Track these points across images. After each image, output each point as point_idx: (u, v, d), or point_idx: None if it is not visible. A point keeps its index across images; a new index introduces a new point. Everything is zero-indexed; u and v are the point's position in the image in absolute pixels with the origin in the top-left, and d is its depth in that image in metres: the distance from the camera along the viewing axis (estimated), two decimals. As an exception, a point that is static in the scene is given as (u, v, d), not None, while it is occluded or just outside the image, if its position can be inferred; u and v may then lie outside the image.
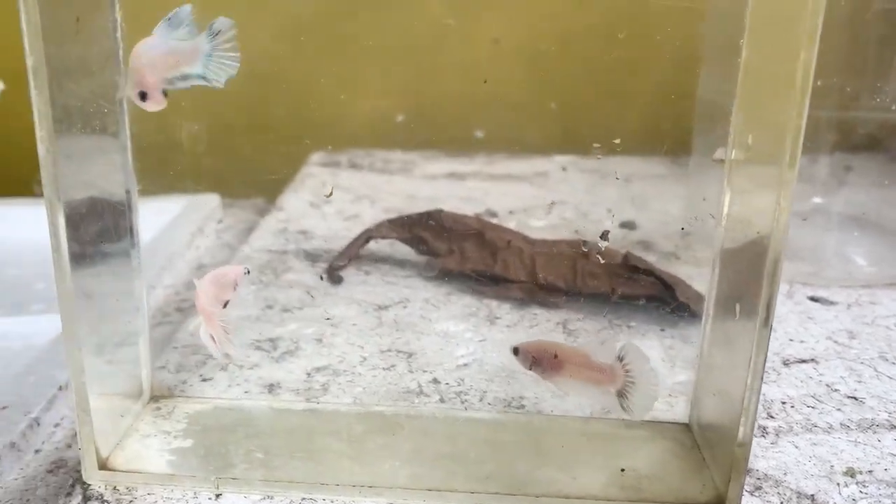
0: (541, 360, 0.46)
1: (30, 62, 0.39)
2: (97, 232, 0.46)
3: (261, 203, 1.04)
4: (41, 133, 0.40)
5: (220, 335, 0.47)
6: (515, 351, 0.47)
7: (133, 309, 0.51)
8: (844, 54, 0.71)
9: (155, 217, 0.90)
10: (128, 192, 0.49)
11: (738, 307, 0.45)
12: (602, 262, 0.67)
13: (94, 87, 0.45)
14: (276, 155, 0.68)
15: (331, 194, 0.58)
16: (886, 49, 0.70)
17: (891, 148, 0.77)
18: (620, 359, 0.45)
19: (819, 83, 0.74)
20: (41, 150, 0.40)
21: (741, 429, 0.43)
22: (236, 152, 0.74)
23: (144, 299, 0.52)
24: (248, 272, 0.47)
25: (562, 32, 0.66)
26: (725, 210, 0.47)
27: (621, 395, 0.45)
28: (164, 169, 0.55)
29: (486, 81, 0.52)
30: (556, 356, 0.45)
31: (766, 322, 0.41)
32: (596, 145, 0.52)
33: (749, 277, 0.43)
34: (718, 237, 0.48)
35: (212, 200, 1.00)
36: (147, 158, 0.50)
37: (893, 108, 0.69)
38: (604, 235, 0.52)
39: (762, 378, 0.43)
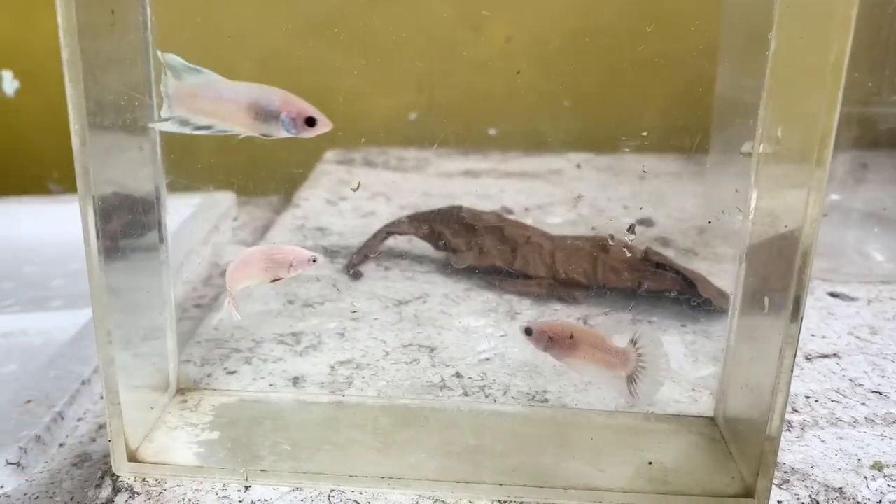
0: (557, 340, 0.45)
1: (64, 55, 0.39)
2: (126, 226, 0.46)
3: (275, 201, 1.04)
4: (76, 126, 0.40)
5: (231, 303, 0.47)
6: (528, 331, 0.46)
7: (160, 303, 0.51)
8: (866, 49, 0.71)
9: (173, 214, 0.90)
10: (156, 186, 0.49)
11: (766, 301, 0.45)
12: (628, 255, 0.67)
13: (127, 81, 0.45)
14: (292, 152, 0.69)
15: (357, 188, 0.58)
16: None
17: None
18: (634, 342, 0.45)
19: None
20: (75, 143, 0.41)
21: (770, 422, 0.43)
22: (251, 150, 0.74)
23: (172, 293, 0.52)
24: (315, 261, 0.47)
25: (575, 29, 0.67)
26: (753, 204, 0.47)
27: (631, 379, 0.45)
28: (191, 164, 0.55)
29: (518, 72, 0.53)
30: (572, 336, 0.45)
31: (796, 316, 0.41)
32: (623, 138, 0.52)
33: (778, 272, 0.43)
34: (746, 231, 0.48)
35: (227, 198, 1.01)
36: (175, 153, 0.51)
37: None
38: (630, 229, 0.52)
39: (791, 372, 0.43)
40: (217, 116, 0.42)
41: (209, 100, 0.42)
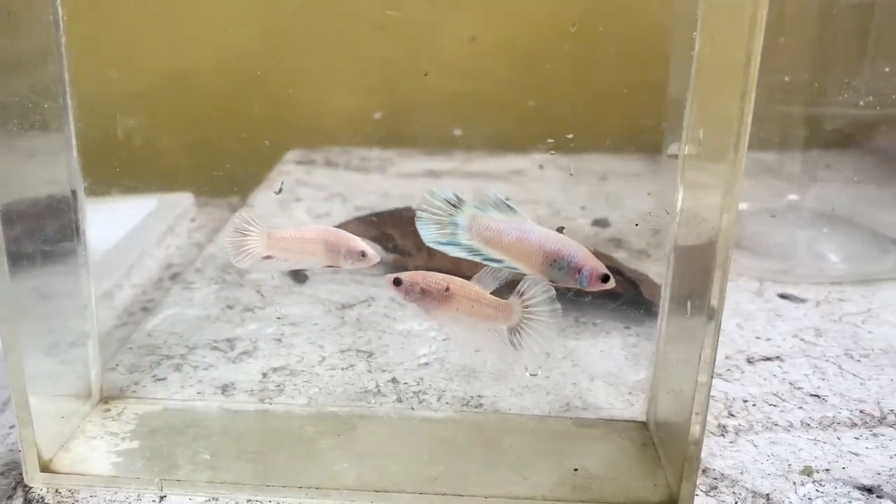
0: (430, 292, 0.43)
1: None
2: (37, 231, 0.45)
3: (236, 202, 1.03)
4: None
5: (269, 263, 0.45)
6: (397, 282, 0.43)
7: (80, 308, 0.50)
8: (812, 50, 0.71)
9: (125, 216, 0.89)
10: (73, 190, 0.48)
11: (689, 304, 0.44)
12: None
13: (35, 82, 0.44)
14: (253, 153, 0.68)
15: (280, 191, 0.57)
16: (854, 44, 0.70)
17: (861, 144, 0.77)
18: (520, 294, 0.43)
19: (787, 79, 0.73)
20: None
21: (693, 427, 0.43)
22: (211, 150, 0.73)
23: (93, 299, 0.51)
24: (365, 255, 0.45)
25: (539, 29, 0.66)
26: (679, 205, 0.47)
27: (514, 332, 0.43)
28: (114, 166, 0.54)
29: (426, 74, 0.52)
30: (447, 289, 0.43)
31: (714, 320, 0.41)
32: (549, 140, 0.51)
33: (699, 275, 0.43)
34: (672, 233, 0.47)
35: (185, 199, 1.00)
36: (95, 155, 0.50)
37: (861, 103, 0.68)
38: (559, 231, 0.51)
39: (712, 375, 0.42)
40: (511, 254, 0.42)
41: (513, 237, 0.42)
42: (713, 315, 0.40)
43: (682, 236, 0.46)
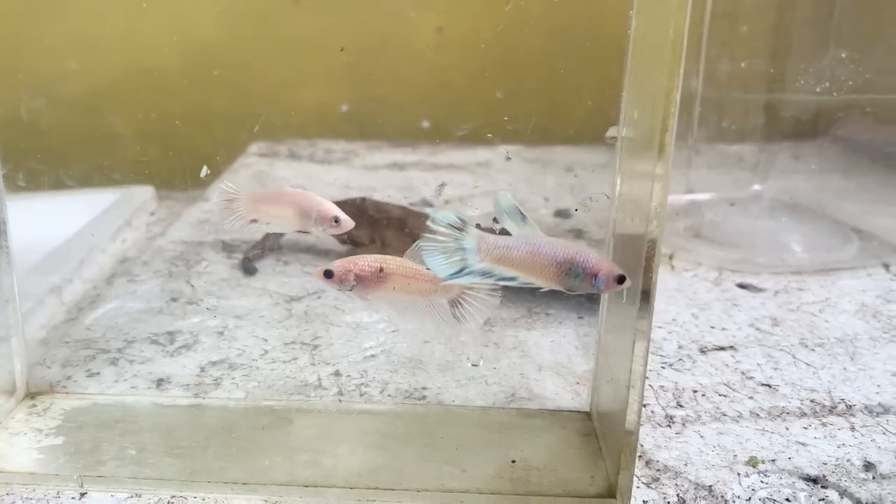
0: (364, 276, 0.42)
1: None
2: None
3: (198, 194, 1.01)
4: None
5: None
6: (328, 274, 0.42)
7: (2, 304, 0.48)
8: (768, 36, 0.70)
9: (82, 210, 0.87)
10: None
11: (624, 292, 0.43)
12: None
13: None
14: (217, 146, 0.66)
15: (206, 175, 0.55)
16: (810, 31, 0.69)
17: (825, 133, 0.76)
18: None
19: (743, 65, 0.72)
20: None
21: (629, 416, 0.42)
22: (173, 143, 0.72)
23: (15, 292, 0.49)
24: (338, 221, 0.44)
25: (505, 20, 0.65)
26: (617, 191, 0.45)
27: (455, 304, 0.42)
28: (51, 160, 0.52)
29: (342, 49, 0.50)
30: (381, 269, 0.42)
31: (647, 308, 0.40)
32: (489, 135, 0.50)
33: (635, 261, 0.41)
34: (612, 219, 0.46)
35: (146, 193, 0.98)
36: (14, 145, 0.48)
37: (818, 90, 0.67)
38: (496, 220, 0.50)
39: (646, 363, 0.41)
40: (524, 269, 0.40)
41: (524, 252, 0.40)
42: (647, 304, 0.39)
43: (619, 223, 0.45)
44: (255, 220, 0.45)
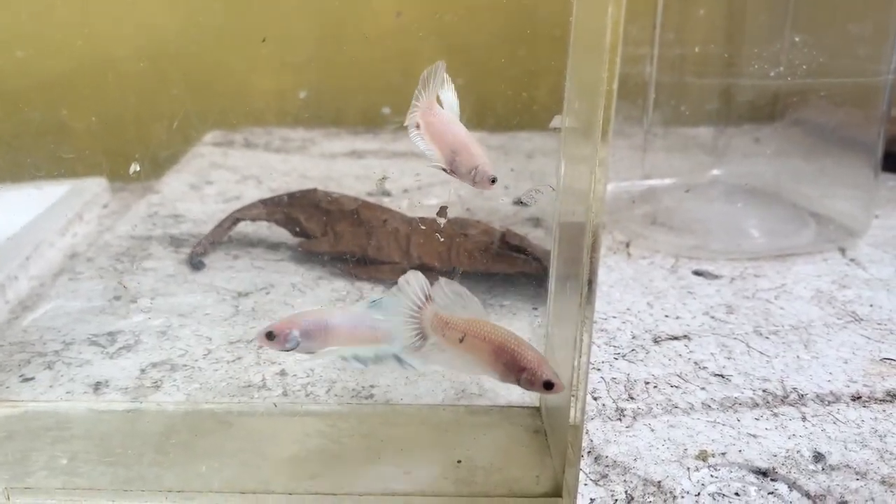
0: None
1: None
2: None
3: (153, 185, 0.99)
4: None
5: None
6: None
7: (-76, 306, 0.46)
8: (723, 20, 0.69)
9: (30, 204, 0.85)
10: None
11: (568, 284, 0.42)
12: (441, 239, 0.64)
13: None
14: (170, 135, 0.64)
15: (135, 172, 0.53)
16: (765, 15, 0.68)
17: (775, 115, 0.75)
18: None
19: (697, 49, 0.71)
20: None
21: (572, 411, 0.41)
22: (126, 134, 0.70)
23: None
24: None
25: (465, 4, 0.63)
26: (562, 181, 0.44)
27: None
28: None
29: (264, 40, 0.49)
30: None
31: (589, 300, 0.38)
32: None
33: (576, 253, 0.40)
34: (557, 210, 0.45)
35: (97, 185, 0.95)
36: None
37: (772, 74, 0.67)
38: (441, 212, 0.49)
39: (589, 357, 0.40)
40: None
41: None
42: (590, 296, 0.38)
43: (563, 213, 0.44)
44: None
